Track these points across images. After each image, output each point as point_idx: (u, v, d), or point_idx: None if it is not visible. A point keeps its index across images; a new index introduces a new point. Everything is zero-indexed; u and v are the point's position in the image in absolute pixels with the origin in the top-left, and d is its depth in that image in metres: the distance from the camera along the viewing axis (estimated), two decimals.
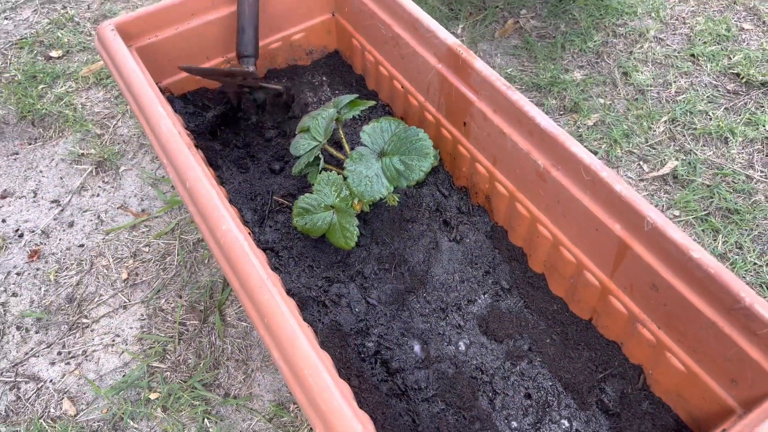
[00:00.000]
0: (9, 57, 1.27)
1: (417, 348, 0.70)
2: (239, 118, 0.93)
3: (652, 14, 1.26)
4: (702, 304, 0.57)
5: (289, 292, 0.73)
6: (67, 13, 1.35)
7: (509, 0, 1.31)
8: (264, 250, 0.76)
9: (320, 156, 0.75)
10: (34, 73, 1.21)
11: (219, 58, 0.92)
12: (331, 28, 1.00)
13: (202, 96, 0.93)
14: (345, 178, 0.71)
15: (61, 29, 1.31)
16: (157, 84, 0.87)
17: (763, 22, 1.24)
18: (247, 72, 0.84)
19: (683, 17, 1.26)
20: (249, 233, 0.74)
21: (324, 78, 0.99)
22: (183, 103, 0.91)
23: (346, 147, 0.77)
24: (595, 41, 1.21)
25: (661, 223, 0.58)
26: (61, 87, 1.19)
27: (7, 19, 1.36)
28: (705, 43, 1.20)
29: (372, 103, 0.78)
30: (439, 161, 0.86)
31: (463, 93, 0.76)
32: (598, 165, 0.63)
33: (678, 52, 1.19)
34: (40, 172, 1.07)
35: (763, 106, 1.09)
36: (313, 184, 0.74)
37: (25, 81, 1.20)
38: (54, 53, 1.26)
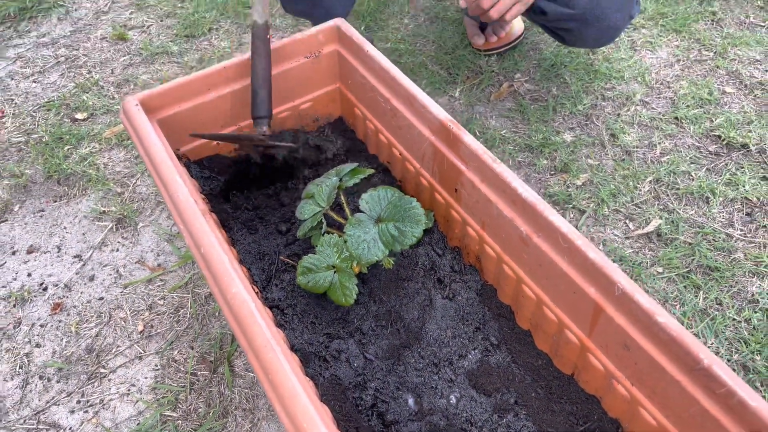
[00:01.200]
0: (37, 119, 1.36)
1: (411, 401, 0.76)
2: (249, 183, 1.01)
3: (639, 79, 1.34)
4: (668, 363, 0.63)
5: (293, 348, 0.79)
6: (92, 77, 1.45)
7: (504, 65, 1.40)
8: (270, 307, 0.82)
9: (323, 220, 0.81)
10: (60, 135, 1.30)
11: (233, 127, 1.00)
12: (336, 98, 1.08)
13: (216, 162, 1.01)
14: (345, 241, 0.77)
15: (87, 93, 1.41)
16: (175, 151, 0.95)
17: (745, 86, 1.31)
18: (251, 137, 0.92)
19: (668, 81, 1.34)
20: (257, 292, 0.80)
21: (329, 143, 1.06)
22: (199, 168, 0.99)
23: (347, 211, 0.84)
24: (584, 104, 1.29)
25: (629, 289, 0.64)
26: (85, 148, 1.28)
27: (35, 82, 1.46)
28: (688, 106, 1.27)
29: (371, 171, 0.86)
30: (434, 223, 0.93)
31: (453, 163, 0.83)
32: (574, 234, 0.69)
33: (663, 115, 1.26)
34: (64, 228, 1.15)
35: (742, 167, 1.15)
36: (316, 246, 0.80)
37: (52, 142, 1.29)
38: (79, 115, 1.36)
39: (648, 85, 1.33)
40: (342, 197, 0.84)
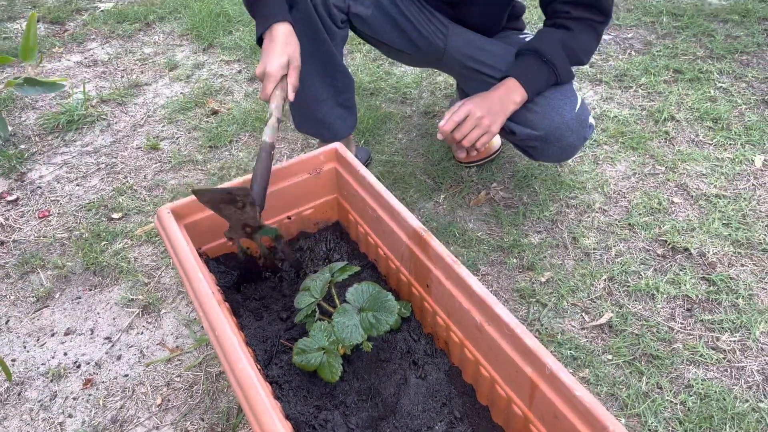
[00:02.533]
0: (78, 218, 1.58)
1: None
2: (257, 278, 1.19)
3: (599, 189, 1.54)
4: (585, 430, 0.78)
5: (287, 417, 0.95)
6: (127, 182, 1.68)
7: (482, 175, 1.61)
8: (270, 383, 0.98)
9: (316, 309, 0.99)
10: (98, 232, 1.51)
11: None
12: (334, 206, 1.29)
13: (231, 259, 1.20)
14: (333, 327, 0.95)
15: (122, 195, 1.63)
16: (198, 249, 1.15)
17: (691, 197, 1.51)
18: (242, 189, 1.06)
19: (624, 192, 1.54)
20: (260, 369, 0.97)
21: (325, 244, 1.26)
22: (216, 264, 1.18)
23: (337, 302, 1.02)
24: (551, 211, 1.49)
25: (556, 368, 0.81)
26: (119, 243, 1.48)
27: (78, 185, 1.69)
28: (640, 214, 1.46)
29: (358, 269, 1.04)
30: (411, 312, 1.10)
31: (424, 263, 1.02)
32: (515, 323, 0.87)
33: (618, 222, 1.45)
34: (98, 313, 1.33)
35: (685, 268, 1.33)
36: (309, 331, 0.98)
37: (90, 238, 1.50)
38: (115, 215, 1.57)
39: (606, 195, 1.53)
40: (333, 290, 1.03)
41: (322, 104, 1.39)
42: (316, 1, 1.26)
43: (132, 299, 1.35)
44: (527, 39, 1.42)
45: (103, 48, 2.36)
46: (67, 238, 1.52)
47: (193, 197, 1.13)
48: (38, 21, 2.56)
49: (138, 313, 1.32)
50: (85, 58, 2.29)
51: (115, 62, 2.26)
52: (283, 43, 1.14)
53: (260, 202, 1.12)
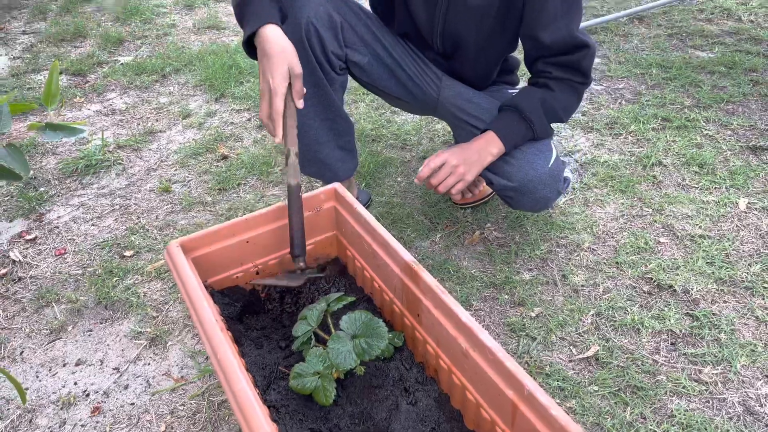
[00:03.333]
0: (93, 255, 1.66)
1: None
2: (259, 310, 1.26)
3: (588, 230, 1.61)
4: None
5: None
6: (140, 222, 1.77)
7: (477, 216, 1.69)
8: (268, 407, 1.04)
9: (312, 337, 1.06)
10: (111, 269, 1.59)
11: (249, 264, 1.28)
12: (333, 242, 1.36)
13: (235, 292, 1.27)
14: (328, 353, 1.01)
15: (134, 234, 1.72)
16: (204, 282, 1.22)
17: (677, 237, 1.58)
18: (288, 286, 1.18)
19: (612, 233, 1.61)
20: (259, 394, 1.03)
21: (325, 278, 1.33)
22: (221, 296, 1.25)
23: (332, 329, 1.09)
24: (542, 249, 1.56)
25: (533, 389, 0.86)
26: (130, 279, 1.56)
27: (93, 225, 1.79)
28: (627, 253, 1.53)
29: (353, 298, 1.11)
30: (403, 342, 1.16)
31: (415, 294, 1.08)
32: (496, 347, 0.93)
33: (606, 260, 1.52)
34: (108, 345, 1.39)
35: (669, 304, 1.38)
36: (306, 357, 1.04)
37: (103, 274, 1.58)
38: (127, 253, 1.66)
39: (595, 235, 1.60)
40: (329, 319, 1.09)
41: (323, 146, 1.47)
42: (315, 47, 1.32)
43: (140, 332, 1.42)
44: (506, 90, 1.53)
45: (121, 98, 2.49)
46: (81, 274, 1.60)
47: (201, 232, 1.21)
48: (61, 73, 2.71)
49: (145, 345, 1.39)
50: (104, 107, 2.43)
51: (132, 111, 2.39)
52: (280, 51, 1.14)
53: (302, 250, 1.21)
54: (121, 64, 2.77)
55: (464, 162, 1.31)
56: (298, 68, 1.15)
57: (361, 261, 1.27)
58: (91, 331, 1.43)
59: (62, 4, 3.38)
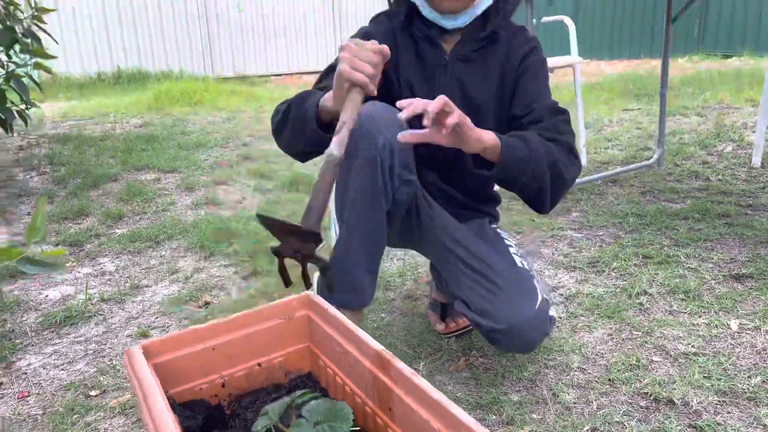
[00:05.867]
0: (57, 396, 1.57)
1: None
2: (222, 426, 1.16)
3: (576, 351, 1.55)
4: None
5: None
6: (111, 363, 1.70)
7: (462, 344, 1.63)
8: None
9: (272, 430, 0.96)
10: (73, 407, 1.49)
11: (214, 375, 1.20)
12: (306, 355, 1.30)
13: (198, 405, 1.18)
14: None
15: (104, 375, 1.64)
16: (165, 392, 1.14)
17: (670, 355, 1.50)
18: (312, 232, 0.98)
19: (602, 353, 1.54)
20: None
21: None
22: (182, 408, 1.16)
23: (294, 420, 0.99)
24: (530, 371, 1.48)
25: None
26: (92, 416, 1.46)
27: (63, 370, 1.71)
28: (620, 370, 1.45)
29: (317, 394, 1.03)
30: None
31: (386, 384, 1.01)
32: (472, 422, 0.84)
33: (598, 378, 1.43)
34: None
35: (670, 417, 1.27)
36: None
37: (64, 412, 1.47)
38: (93, 393, 1.56)
39: (585, 356, 1.52)
40: (291, 411, 1.01)
41: (358, 269, 1.36)
42: (385, 170, 1.25)
43: None
44: (498, 230, 1.54)
45: (113, 262, 2.54)
46: (42, 414, 1.49)
47: (166, 336, 1.17)
48: (58, 244, 2.80)
49: None
50: (95, 270, 2.46)
51: (122, 272, 2.42)
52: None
53: (318, 228, 1.02)
54: (118, 235, 2.87)
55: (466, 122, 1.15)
56: (387, 49, 1.08)
57: (333, 367, 1.20)
58: None
59: (71, 190, 3.60)
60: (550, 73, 1.55)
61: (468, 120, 1.14)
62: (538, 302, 1.33)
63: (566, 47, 3.46)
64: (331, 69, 1.39)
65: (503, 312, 1.30)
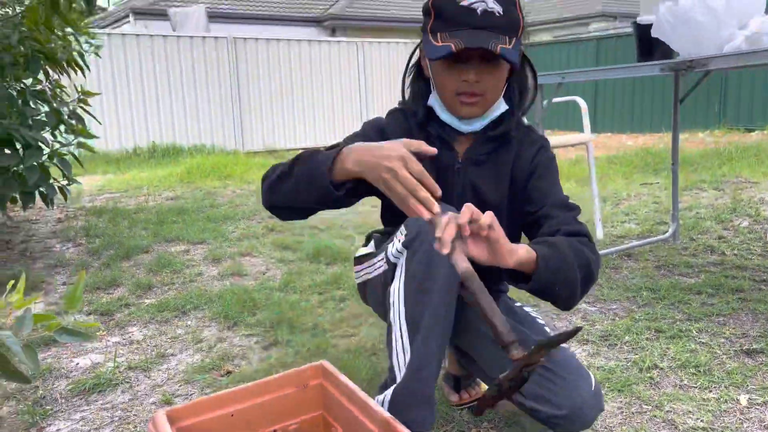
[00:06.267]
0: None
1: None
2: None
3: None
4: None
5: None
6: (136, 429, 1.77)
7: (472, 417, 1.67)
8: None
9: None
10: None
11: None
12: (320, 423, 1.36)
13: None
14: None
15: None
16: None
17: (678, 429, 1.53)
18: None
19: (611, 427, 1.56)
20: None
21: None
22: None
23: None
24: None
25: None
26: None
27: None
28: None
29: None
30: None
31: None
32: None
33: None
34: None
35: None
36: None
37: None
38: None
39: (594, 430, 1.55)
40: None
41: (431, 379, 1.30)
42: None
43: None
44: (523, 307, 1.58)
45: (140, 331, 2.65)
46: None
47: (190, 403, 1.25)
48: (90, 313, 2.93)
49: None
50: (123, 338, 2.56)
51: (149, 341, 2.51)
52: (385, 141, 1.14)
53: (511, 335, 1.02)
54: (147, 304, 2.98)
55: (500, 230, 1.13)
56: (416, 142, 1.12)
57: None
58: None
59: (104, 261, 3.76)
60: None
61: (502, 233, 1.10)
62: (593, 381, 1.33)
63: (580, 124, 3.60)
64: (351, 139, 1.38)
65: (562, 397, 1.29)
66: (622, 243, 3.30)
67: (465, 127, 1.38)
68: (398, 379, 1.29)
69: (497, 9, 1.25)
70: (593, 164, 3.37)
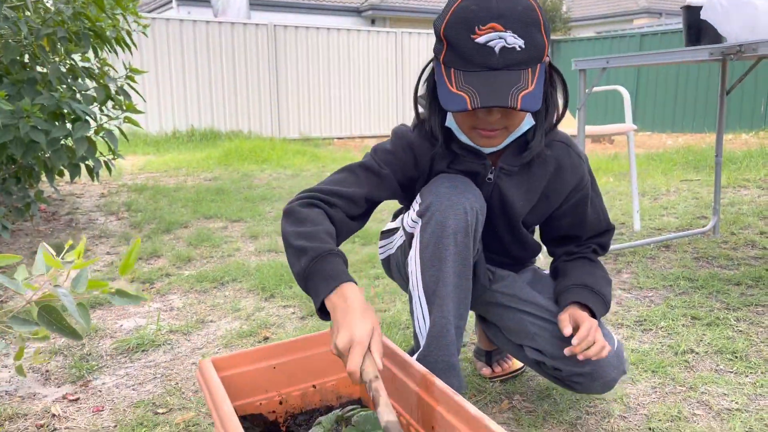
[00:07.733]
0: (128, 413, 1.71)
1: None
2: None
3: (618, 401, 1.58)
4: None
5: None
6: (177, 386, 1.84)
7: (506, 387, 1.69)
8: None
9: None
10: (142, 421, 1.63)
11: (273, 393, 1.32)
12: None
13: (256, 419, 1.30)
14: None
15: (170, 396, 1.78)
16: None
17: (712, 410, 1.52)
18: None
19: (644, 404, 1.57)
20: None
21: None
22: (242, 420, 1.27)
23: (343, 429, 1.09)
24: (570, 416, 1.52)
25: None
26: (159, 430, 1.59)
27: (134, 390, 1.86)
28: (660, 420, 1.48)
29: (370, 410, 1.13)
30: None
31: (429, 403, 1.10)
32: None
33: (638, 426, 1.46)
34: None
35: None
36: None
37: (134, 426, 1.61)
38: (160, 410, 1.70)
39: (626, 405, 1.56)
40: (342, 422, 1.11)
41: (452, 347, 1.33)
42: (476, 237, 1.32)
43: None
44: (544, 272, 1.61)
45: (180, 299, 2.73)
46: (114, 426, 1.64)
47: (234, 353, 1.30)
48: (132, 281, 3.02)
49: None
50: (164, 305, 2.65)
51: (189, 308, 2.59)
52: (362, 309, 1.07)
53: None
54: (187, 275, 3.07)
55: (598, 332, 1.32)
56: (379, 329, 1.09)
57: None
58: None
59: (146, 234, 3.87)
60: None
61: (595, 323, 1.32)
62: (616, 342, 1.40)
63: (619, 118, 3.55)
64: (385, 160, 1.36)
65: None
66: (660, 234, 3.27)
67: (487, 150, 1.32)
68: (421, 346, 1.34)
69: (518, 44, 1.11)
70: (633, 154, 3.33)
